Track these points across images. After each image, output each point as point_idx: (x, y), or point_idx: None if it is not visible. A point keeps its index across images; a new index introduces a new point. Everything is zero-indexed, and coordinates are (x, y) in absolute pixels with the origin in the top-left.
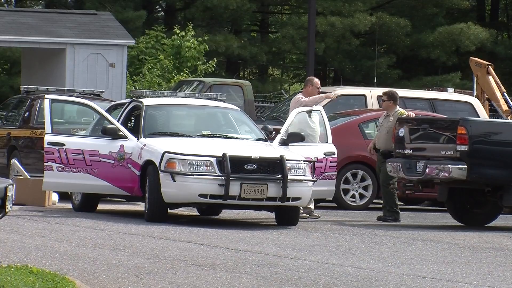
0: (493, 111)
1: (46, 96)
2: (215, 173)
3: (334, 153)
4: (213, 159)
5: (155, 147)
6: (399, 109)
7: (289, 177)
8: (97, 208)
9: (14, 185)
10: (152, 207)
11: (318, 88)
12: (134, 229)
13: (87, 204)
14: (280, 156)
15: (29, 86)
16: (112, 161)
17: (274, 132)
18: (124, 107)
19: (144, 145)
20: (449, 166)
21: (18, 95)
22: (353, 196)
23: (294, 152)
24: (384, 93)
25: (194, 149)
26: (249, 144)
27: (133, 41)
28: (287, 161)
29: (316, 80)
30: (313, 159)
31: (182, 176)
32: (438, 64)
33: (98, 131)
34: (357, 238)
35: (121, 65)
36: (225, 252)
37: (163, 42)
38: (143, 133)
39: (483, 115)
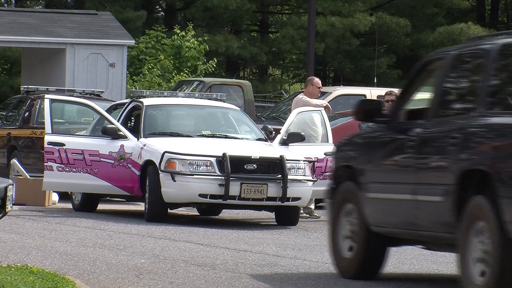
0: None
1: (46, 96)
2: (215, 173)
3: None
4: (213, 159)
5: (155, 147)
6: None
7: (289, 177)
8: (97, 208)
9: (14, 185)
10: (152, 207)
11: (319, 87)
12: (134, 229)
13: (87, 204)
14: (280, 156)
15: (29, 86)
16: (112, 161)
17: (274, 132)
18: (124, 107)
19: (144, 145)
20: None
21: (18, 95)
22: None
23: (294, 152)
24: (391, 93)
25: (194, 149)
26: (249, 144)
27: (133, 41)
28: (287, 161)
29: (317, 80)
30: (313, 159)
31: (182, 176)
32: None
33: (98, 131)
34: None
35: (121, 65)
36: (225, 252)
37: (163, 42)
38: (143, 133)
39: None
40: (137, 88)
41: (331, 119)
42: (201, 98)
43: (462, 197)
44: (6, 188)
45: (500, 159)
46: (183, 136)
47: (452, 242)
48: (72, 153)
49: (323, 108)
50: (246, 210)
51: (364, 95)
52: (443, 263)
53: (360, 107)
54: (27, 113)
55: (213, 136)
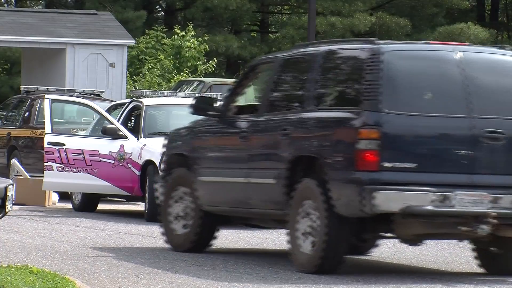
0: None
1: (46, 96)
2: None
3: None
4: None
5: (155, 147)
6: None
7: None
8: (97, 208)
9: (14, 185)
10: (152, 207)
11: None
12: (134, 229)
13: (87, 204)
14: None
15: (29, 86)
16: (112, 161)
17: None
18: (124, 107)
19: (144, 145)
20: None
21: (18, 95)
22: None
23: None
24: None
25: None
26: None
27: (133, 41)
28: None
29: None
30: None
31: None
32: None
33: (98, 131)
34: None
35: (121, 65)
36: (224, 252)
37: (163, 42)
38: (143, 133)
39: None
40: (137, 88)
41: None
42: None
43: (292, 180)
44: (6, 188)
45: (328, 147)
46: None
47: (280, 218)
48: (72, 153)
49: None
50: None
51: None
52: (443, 263)
53: (194, 103)
54: (27, 113)
55: None
